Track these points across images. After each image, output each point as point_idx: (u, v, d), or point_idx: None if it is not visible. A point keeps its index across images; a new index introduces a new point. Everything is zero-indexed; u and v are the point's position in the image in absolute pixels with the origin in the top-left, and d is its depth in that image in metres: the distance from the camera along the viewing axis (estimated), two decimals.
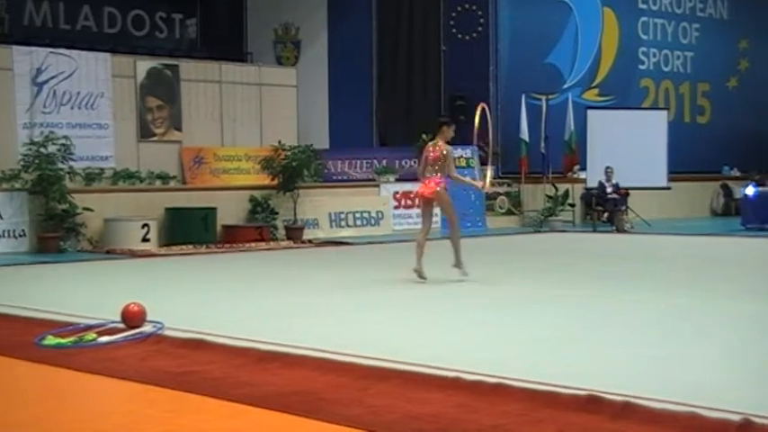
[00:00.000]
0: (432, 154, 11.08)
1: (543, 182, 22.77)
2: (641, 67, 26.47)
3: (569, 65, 24.69)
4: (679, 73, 27.38)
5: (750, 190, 21.35)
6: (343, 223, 20.21)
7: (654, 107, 25.99)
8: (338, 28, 23.92)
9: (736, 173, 27.14)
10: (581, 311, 8.74)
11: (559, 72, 24.44)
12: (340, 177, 21.56)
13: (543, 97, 23.03)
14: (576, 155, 23.50)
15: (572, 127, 23.23)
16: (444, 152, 11.06)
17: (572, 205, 22.67)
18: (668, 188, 23.17)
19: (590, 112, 23.26)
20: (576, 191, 23.15)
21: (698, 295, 9.87)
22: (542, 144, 22.62)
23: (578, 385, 5.29)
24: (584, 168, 23.18)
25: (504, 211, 22.87)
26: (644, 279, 11.47)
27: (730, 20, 28.56)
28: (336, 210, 20.17)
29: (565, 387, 5.28)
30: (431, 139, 11.60)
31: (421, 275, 10.91)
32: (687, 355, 6.57)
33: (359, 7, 23.99)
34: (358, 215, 20.47)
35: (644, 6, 26.52)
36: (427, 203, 11.29)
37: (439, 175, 11.04)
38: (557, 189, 22.47)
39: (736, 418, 4.49)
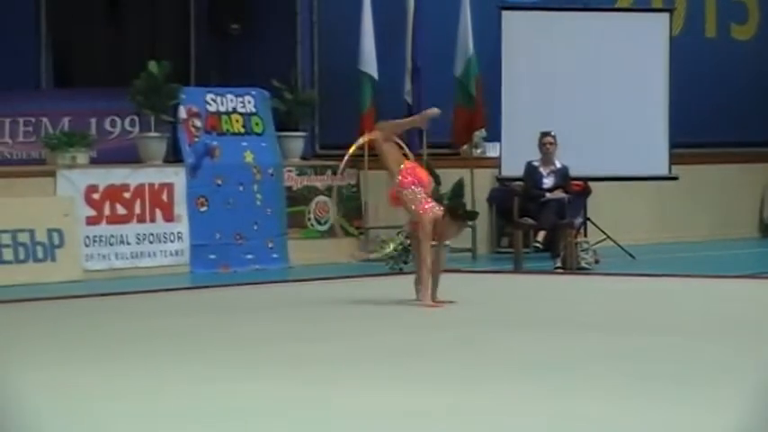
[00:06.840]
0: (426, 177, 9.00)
1: None
2: None
3: None
4: None
5: None
6: None
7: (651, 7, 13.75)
8: None
9: None
10: None
11: None
12: None
13: None
14: (479, 108, 12.33)
15: (470, 47, 11.79)
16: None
17: (472, 217, 11.02)
18: (673, 178, 11.75)
19: (505, 15, 11.79)
20: (481, 183, 12.36)
21: None
22: (407, 82, 12.01)
23: None
24: (495, 139, 12.41)
25: (325, 228, 11.41)
26: None
27: None
28: None
29: None
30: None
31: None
32: None
33: None
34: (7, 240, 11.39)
35: None
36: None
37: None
38: (439, 182, 11.47)
39: None
